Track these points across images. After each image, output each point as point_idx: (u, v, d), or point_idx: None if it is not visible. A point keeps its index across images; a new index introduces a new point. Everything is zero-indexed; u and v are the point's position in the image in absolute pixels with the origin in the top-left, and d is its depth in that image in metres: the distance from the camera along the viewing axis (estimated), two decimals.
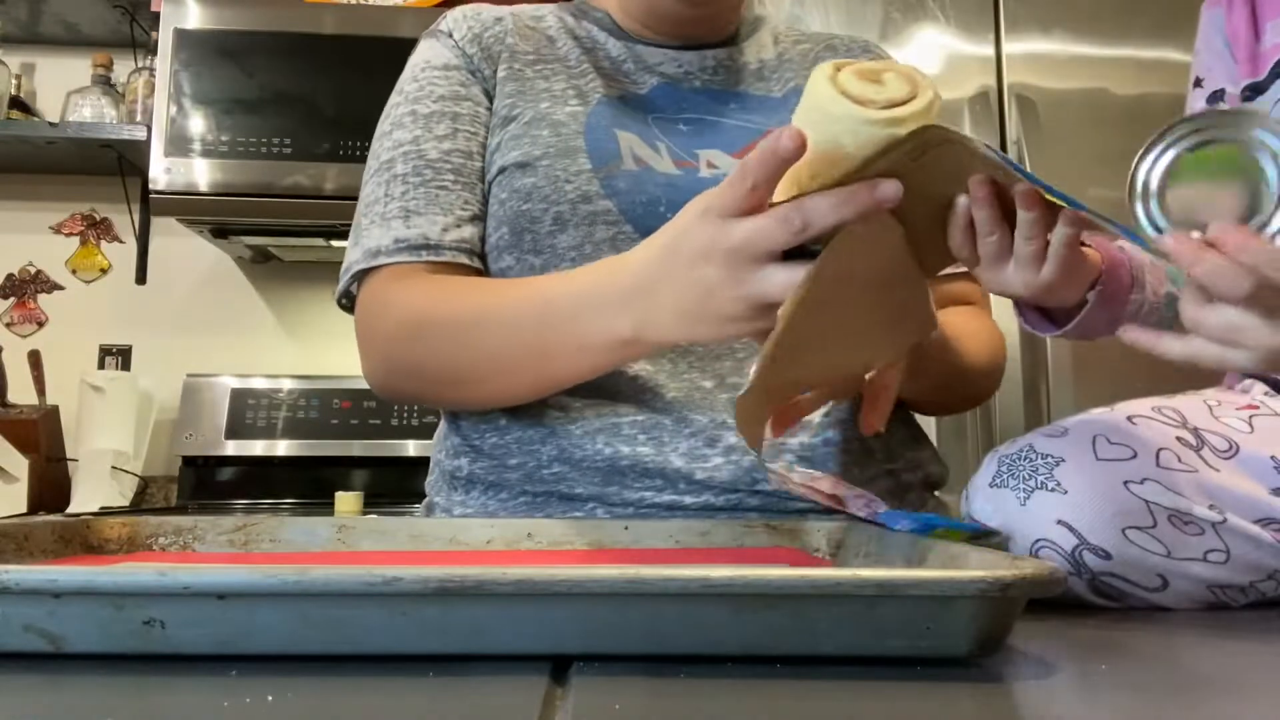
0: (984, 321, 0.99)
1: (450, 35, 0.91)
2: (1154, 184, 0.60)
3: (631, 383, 0.78)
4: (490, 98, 0.88)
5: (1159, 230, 0.59)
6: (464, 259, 0.82)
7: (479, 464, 0.82)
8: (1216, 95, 0.93)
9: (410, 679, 0.37)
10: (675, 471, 0.75)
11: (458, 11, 0.93)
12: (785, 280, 0.56)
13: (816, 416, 0.80)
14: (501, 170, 0.83)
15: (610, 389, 0.78)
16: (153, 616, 0.38)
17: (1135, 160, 0.60)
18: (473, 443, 0.83)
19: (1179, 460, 0.61)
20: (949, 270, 0.72)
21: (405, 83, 0.90)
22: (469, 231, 0.83)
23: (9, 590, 0.38)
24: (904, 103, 0.53)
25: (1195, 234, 0.56)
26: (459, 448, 0.84)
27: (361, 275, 0.83)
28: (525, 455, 0.79)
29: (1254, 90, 0.86)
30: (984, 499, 0.63)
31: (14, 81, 2.19)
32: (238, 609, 0.38)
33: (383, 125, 0.89)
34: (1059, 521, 0.58)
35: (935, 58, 1.85)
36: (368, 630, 0.38)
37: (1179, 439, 0.63)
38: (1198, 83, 0.97)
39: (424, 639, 0.39)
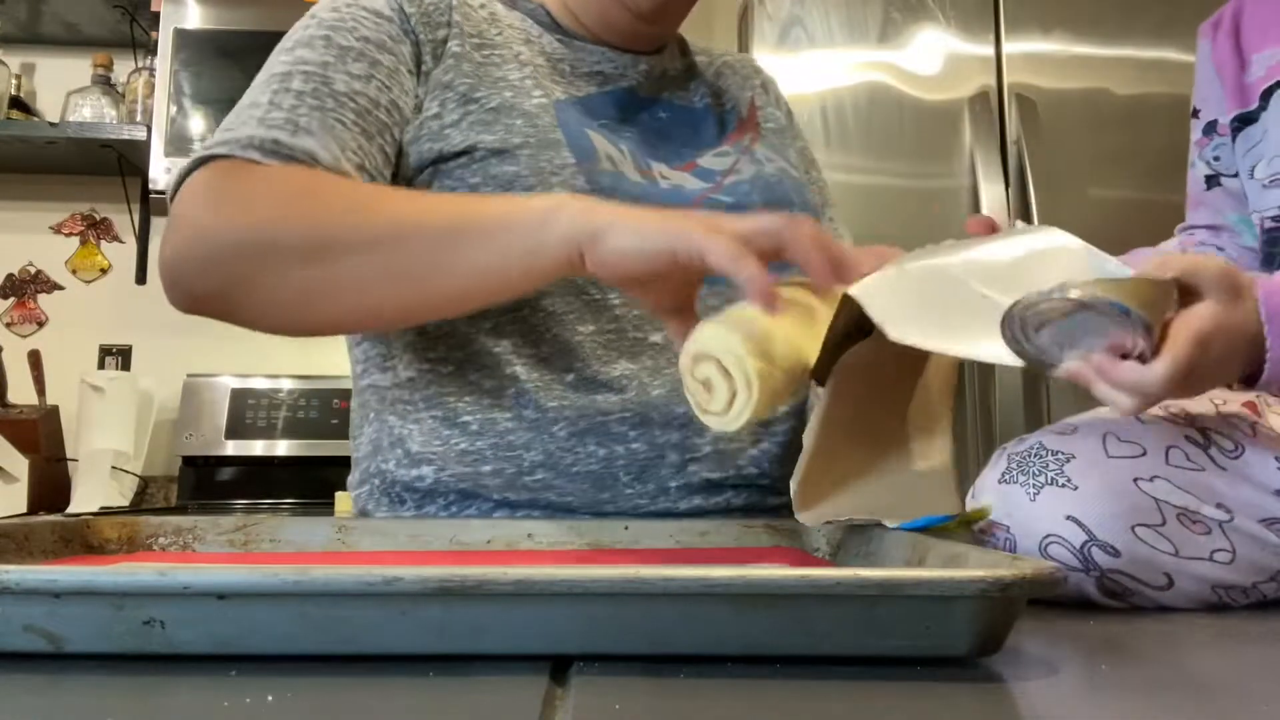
0: None
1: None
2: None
3: (616, 380, 0.77)
4: (419, 65, 0.79)
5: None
6: None
7: (448, 472, 0.76)
8: (1210, 126, 0.94)
9: (410, 679, 0.37)
10: (669, 468, 0.75)
11: None
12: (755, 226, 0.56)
13: (781, 422, 0.81)
14: (466, 152, 0.77)
15: (592, 387, 0.76)
16: (153, 616, 0.38)
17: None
18: (434, 449, 0.77)
19: (1187, 459, 0.61)
20: None
21: (322, 9, 0.79)
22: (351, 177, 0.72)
23: (9, 590, 0.38)
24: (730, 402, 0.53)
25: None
26: (419, 456, 0.78)
27: (209, 162, 0.68)
28: (503, 461, 0.75)
29: (1243, 120, 0.87)
30: (993, 495, 0.63)
31: (14, 81, 2.19)
32: (238, 609, 0.38)
33: (284, 42, 0.78)
34: (1069, 517, 0.58)
35: (935, 58, 1.85)
36: (368, 630, 0.38)
37: (1187, 437, 0.63)
38: (1195, 113, 0.98)
39: (424, 639, 0.39)
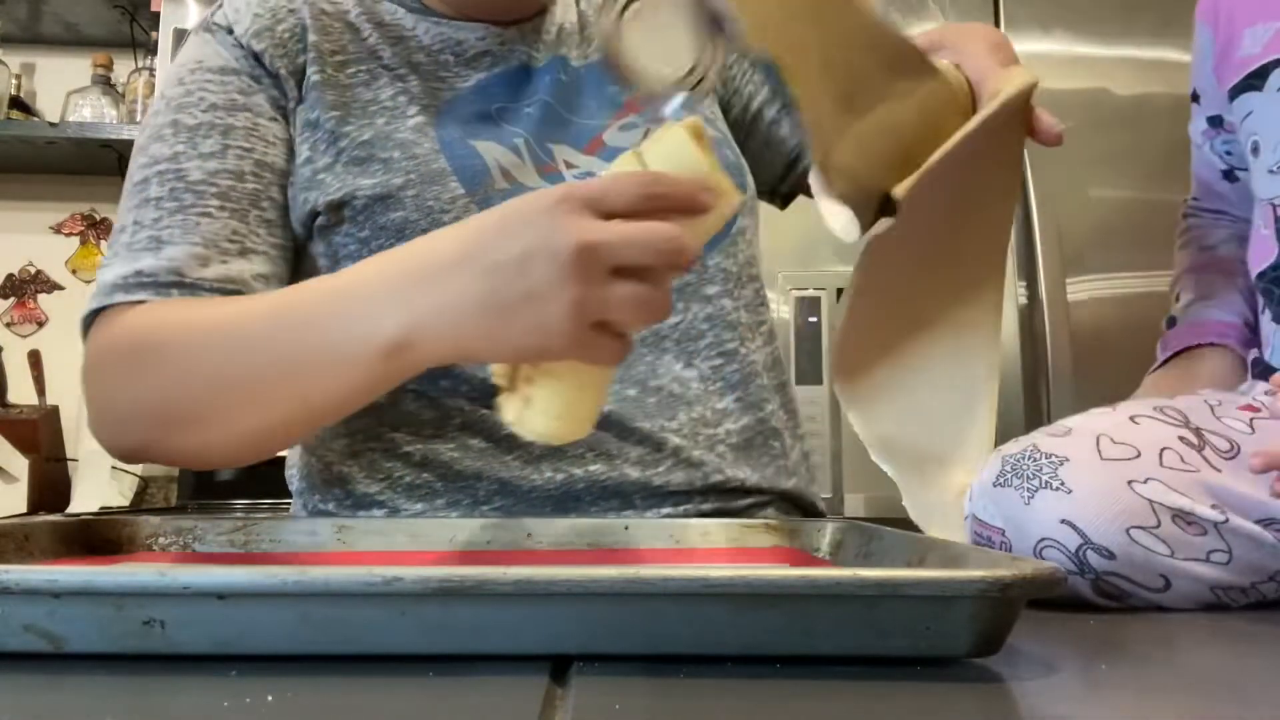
0: None
1: (230, 31, 0.76)
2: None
3: None
4: (282, 108, 0.76)
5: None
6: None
7: (406, 512, 0.74)
8: (1216, 120, 0.93)
9: (410, 679, 0.37)
10: (632, 485, 0.73)
11: (239, 1, 0.78)
12: (631, 298, 0.49)
13: (733, 419, 0.80)
14: (346, 202, 0.73)
15: None
16: (153, 616, 0.38)
17: None
18: (378, 485, 0.74)
19: (1182, 460, 0.61)
20: None
21: (169, 85, 0.76)
22: (238, 268, 0.70)
23: (9, 590, 0.38)
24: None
25: None
26: (365, 497, 0.75)
27: (95, 318, 0.68)
28: (458, 493, 0.74)
29: (1238, 90, 0.86)
30: (988, 498, 0.63)
31: (14, 81, 2.19)
32: (238, 609, 0.38)
33: (140, 138, 0.75)
34: (1063, 521, 0.58)
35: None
36: (368, 630, 0.38)
37: (1181, 438, 0.63)
38: (1195, 97, 0.96)
39: (424, 639, 0.39)
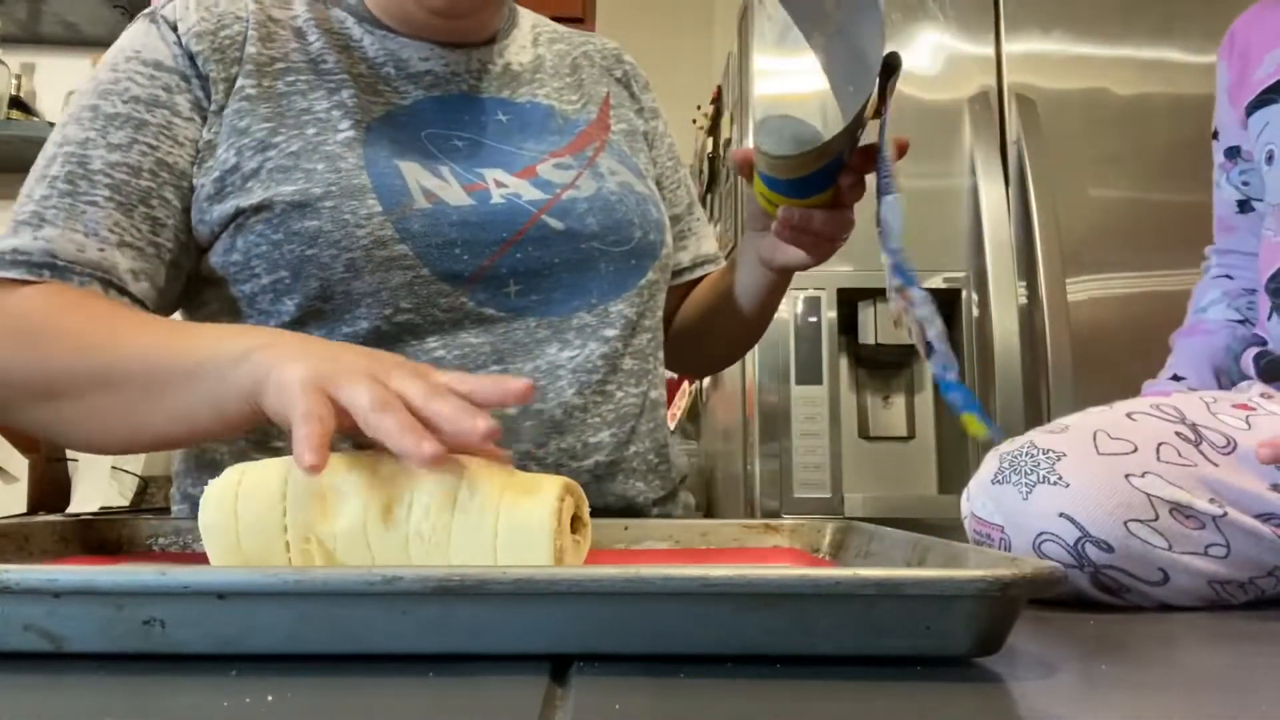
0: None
1: (174, 28, 0.78)
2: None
3: None
4: (202, 110, 0.77)
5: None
6: (98, 288, 0.71)
7: None
8: (1234, 150, 0.94)
9: (410, 679, 0.37)
10: None
11: None
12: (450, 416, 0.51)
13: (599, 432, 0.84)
14: (265, 206, 0.74)
15: None
16: (153, 616, 0.38)
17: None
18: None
19: (1179, 455, 0.61)
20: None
21: (103, 69, 0.78)
22: (113, 259, 0.72)
23: (9, 590, 0.38)
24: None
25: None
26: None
27: None
28: None
29: (1255, 105, 0.87)
30: (986, 495, 0.63)
31: (14, 81, 2.19)
32: (238, 609, 0.38)
33: (65, 113, 0.78)
34: (1061, 515, 0.58)
35: (935, 58, 1.85)
36: (368, 630, 0.38)
37: (1178, 434, 0.63)
38: (1215, 134, 0.98)
39: (424, 639, 0.39)
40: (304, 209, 0.74)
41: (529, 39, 0.94)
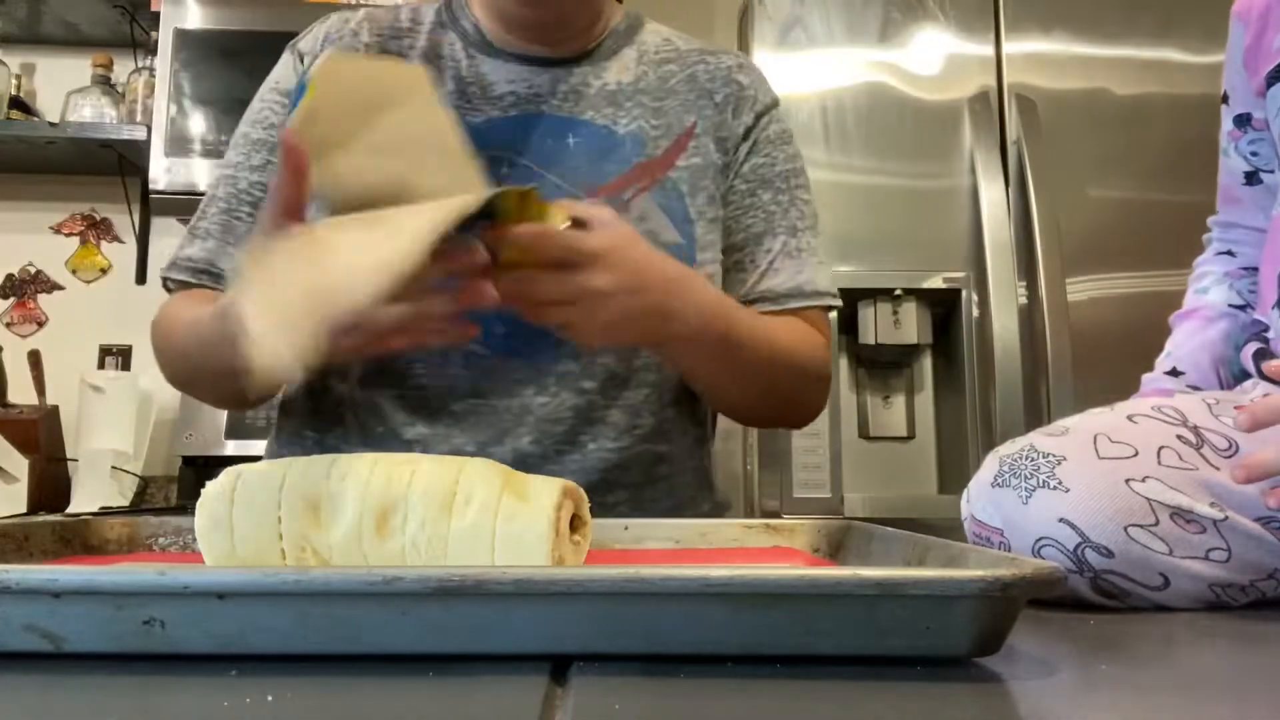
0: (799, 325, 0.92)
1: (303, 57, 0.90)
2: None
3: (409, 444, 0.83)
4: None
5: None
6: None
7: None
8: (1244, 119, 0.92)
9: (410, 679, 0.37)
10: None
11: (329, 23, 0.91)
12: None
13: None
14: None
15: (388, 446, 0.83)
16: (153, 616, 0.38)
17: None
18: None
19: (1180, 458, 0.61)
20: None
21: (256, 98, 0.91)
22: None
23: (9, 590, 0.38)
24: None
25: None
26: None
27: (166, 282, 0.90)
28: None
29: (1275, 78, 0.84)
30: (986, 499, 0.62)
31: (14, 81, 2.19)
32: (238, 609, 0.38)
33: (234, 136, 0.91)
34: (1061, 520, 0.58)
35: (935, 58, 1.85)
36: (368, 630, 0.38)
37: (1179, 437, 0.63)
38: (1224, 98, 0.95)
39: (424, 639, 0.39)
40: None
41: (639, 57, 0.92)
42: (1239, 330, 0.90)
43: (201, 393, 0.90)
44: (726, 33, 2.14)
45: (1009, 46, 1.85)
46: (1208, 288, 0.95)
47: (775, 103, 0.97)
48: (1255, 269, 0.91)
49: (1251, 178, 0.92)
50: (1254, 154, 0.91)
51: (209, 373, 0.82)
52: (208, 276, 0.87)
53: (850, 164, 1.81)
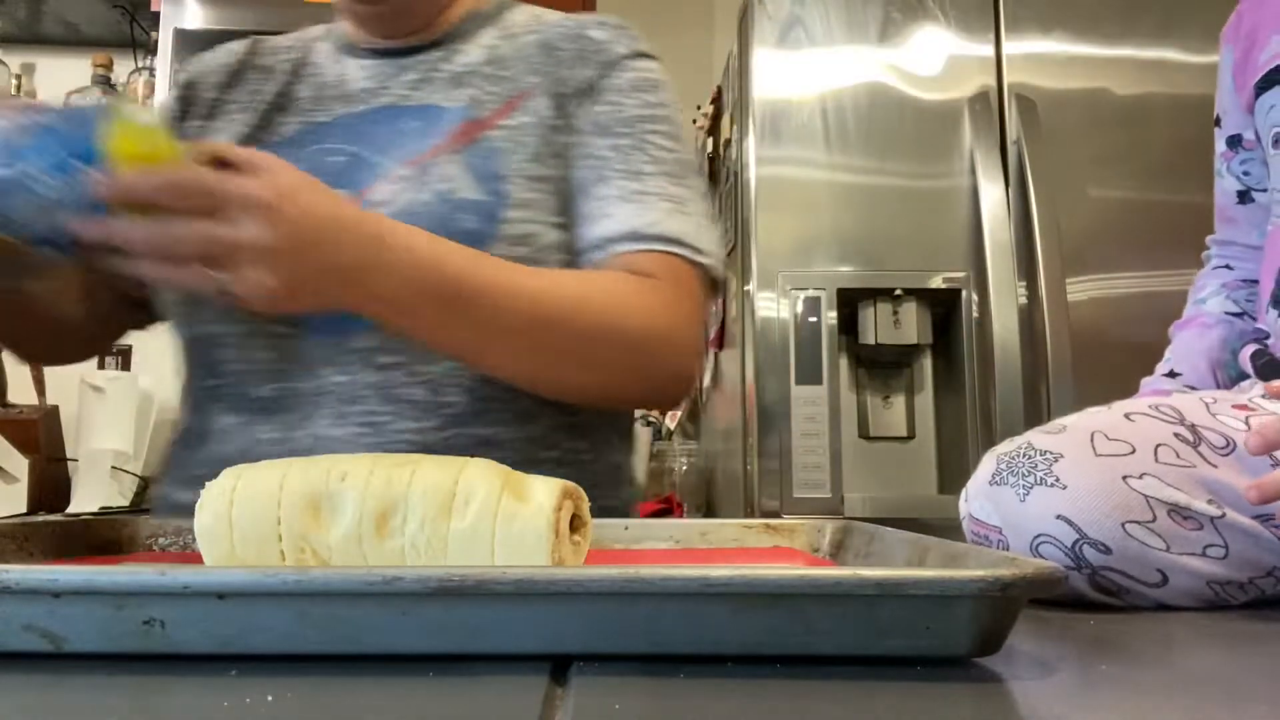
0: (624, 280, 0.79)
1: (179, 82, 0.94)
2: None
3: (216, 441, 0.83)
4: None
5: None
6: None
7: None
8: (1235, 140, 0.93)
9: (410, 679, 0.37)
10: None
11: (204, 55, 0.95)
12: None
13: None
14: None
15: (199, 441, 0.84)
16: (153, 616, 0.38)
17: None
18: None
19: (1177, 456, 0.61)
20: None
21: None
22: None
23: (9, 590, 0.38)
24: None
25: None
26: None
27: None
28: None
29: (1262, 86, 0.86)
30: (984, 497, 0.63)
31: (14, 81, 2.19)
32: (238, 609, 0.38)
33: None
34: (1059, 516, 0.58)
35: (935, 58, 1.85)
36: (368, 630, 0.38)
37: (1177, 435, 0.63)
38: (1217, 121, 0.97)
39: (424, 639, 0.39)
40: None
41: (499, 35, 0.90)
42: (1236, 336, 0.91)
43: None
44: (726, 33, 2.14)
45: (1009, 46, 1.85)
46: (1205, 298, 0.97)
47: (636, 55, 0.90)
48: (1252, 281, 0.93)
49: (1244, 196, 0.94)
50: (1245, 173, 0.94)
51: None
52: None
53: (850, 164, 1.81)
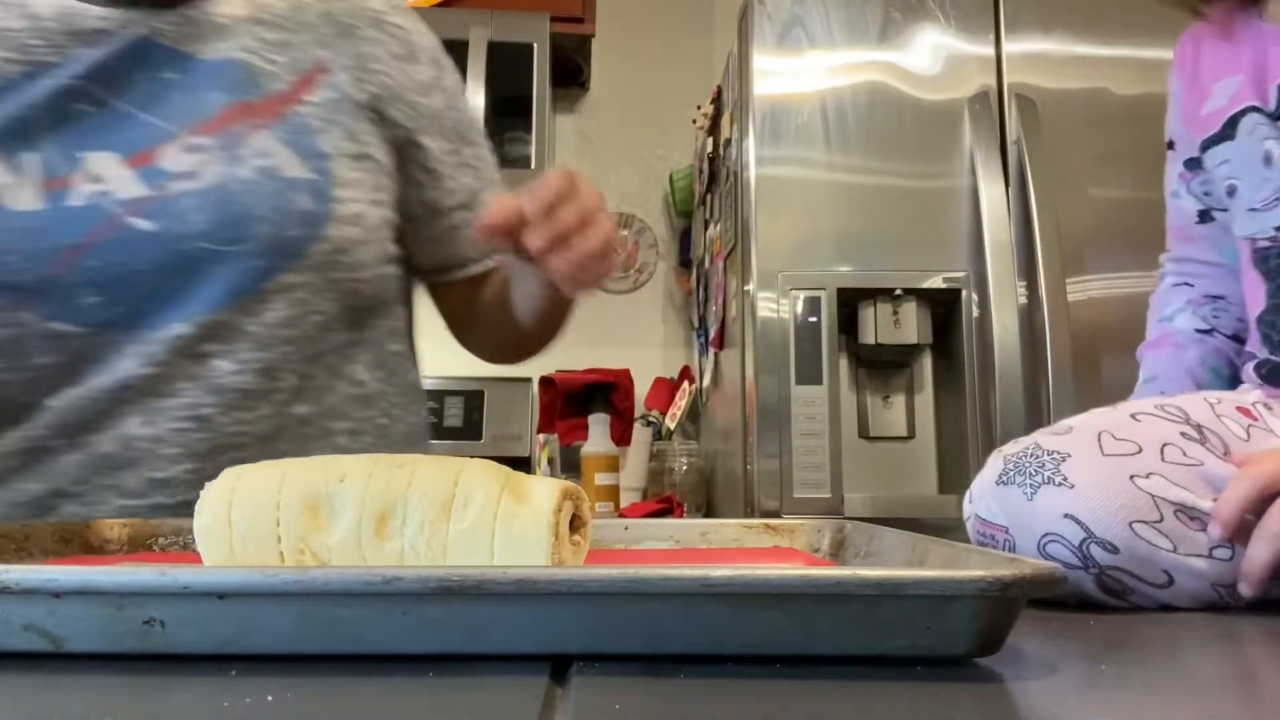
0: None
1: None
2: None
3: None
4: None
5: None
6: None
7: None
8: (1194, 162, 0.93)
9: (410, 679, 0.37)
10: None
11: None
12: None
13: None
14: None
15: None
16: (153, 616, 0.38)
17: None
18: None
19: (1184, 454, 0.61)
20: None
21: None
22: None
23: (9, 590, 0.38)
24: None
25: None
26: None
27: None
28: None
29: (1211, 143, 0.86)
30: (990, 497, 0.63)
31: None
32: (238, 609, 0.38)
33: None
34: (1067, 515, 0.58)
35: (935, 58, 1.85)
36: (368, 630, 0.38)
37: (1183, 434, 0.63)
38: (1170, 144, 0.97)
39: (424, 639, 0.39)
40: None
41: None
42: (1211, 354, 0.92)
43: None
44: (726, 33, 2.14)
45: (1009, 46, 1.85)
46: (1172, 315, 0.97)
47: (440, 47, 0.92)
48: (1215, 296, 0.95)
49: (1204, 216, 0.95)
50: (1206, 194, 0.95)
51: None
52: None
53: (850, 164, 1.81)
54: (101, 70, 0.75)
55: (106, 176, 0.74)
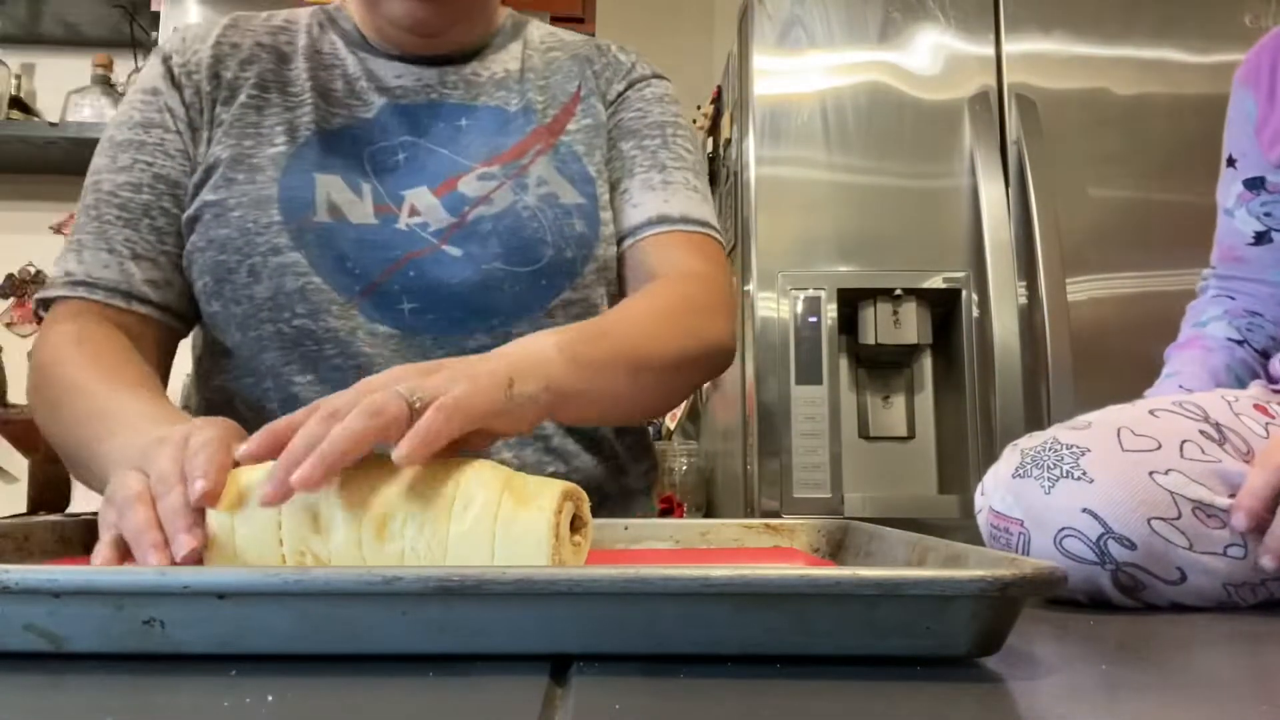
0: (680, 289, 0.84)
1: (168, 59, 0.88)
2: None
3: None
4: (192, 125, 0.86)
5: None
6: (118, 300, 0.81)
7: None
8: (1257, 181, 0.91)
9: (410, 679, 0.37)
10: None
11: (190, 31, 0.90)
12: None
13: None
14: (198, 216, 0.82)
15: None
16: (153, 616, 0.38)
17: None
18: None
19: (1202, 452, 0.61)
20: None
21: (123, 102, 0.90)
22: (127, 270, 0.82)
23: (9, 590, 0.38)
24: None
25: None
26: None
27: (47, 302, 0.83)
28: None
29: None
30: (1005, 490, 0.62)
31: (14, 81, 2.19)
32: (238, 609, 0.38)
33: (99, 142, 0.89)
34: (1085, 510, 0.58)
35: (935, 58, 1.85)
36: (368, 630, 0.38)
37: (1202, 432, 0.63)
38: (1230, 161, 0.95)
39: (424, 639, 0.39)
40: (220, 217, 0.81)
41: (524, 48, 0.95)
42: (1238, 364, 0.91)
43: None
44: (726, 33, 2.14)
45: (1009, 46, 1.85)
46: (1206, 322, 0.96)
47: (657, 76, 0.98)
48: (1254, 312, 0.93)
49: (1262, 237, 0.93)
50: (1267, 214, 0.92)
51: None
52: (84, 289, 0.81)
53: (850, 164, 1.81)
54: (404, 121, 0.87)
55: (421, 209, 0.84)
